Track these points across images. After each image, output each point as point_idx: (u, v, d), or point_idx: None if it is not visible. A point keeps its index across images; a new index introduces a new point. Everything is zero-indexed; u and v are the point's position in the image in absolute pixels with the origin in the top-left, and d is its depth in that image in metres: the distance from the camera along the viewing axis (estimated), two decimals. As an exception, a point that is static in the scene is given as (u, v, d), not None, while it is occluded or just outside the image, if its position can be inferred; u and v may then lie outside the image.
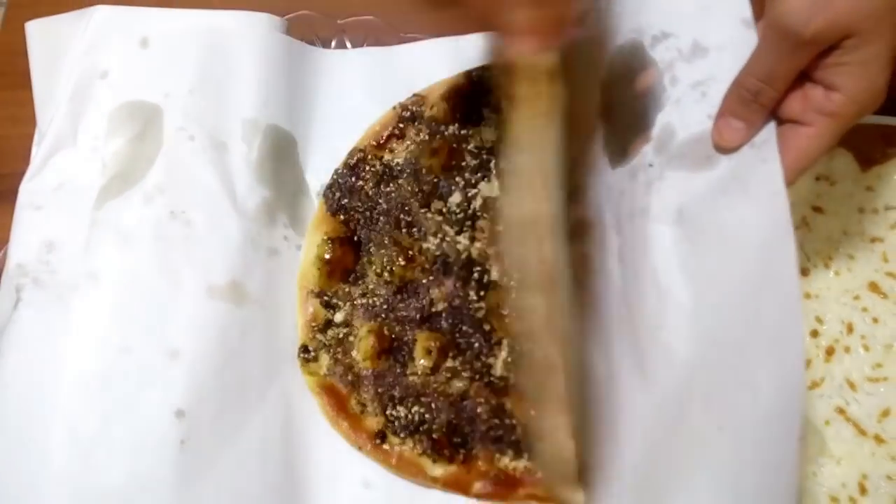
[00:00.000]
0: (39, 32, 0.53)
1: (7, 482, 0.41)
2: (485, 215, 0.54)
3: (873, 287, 0.50)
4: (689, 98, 0.45)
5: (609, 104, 0.51)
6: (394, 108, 0.56)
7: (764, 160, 0.42)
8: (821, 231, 0.52)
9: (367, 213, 0.54)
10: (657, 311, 0.43)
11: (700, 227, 0.43)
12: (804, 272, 0.51)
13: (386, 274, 0.52)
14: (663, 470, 0.42)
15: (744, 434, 0.40)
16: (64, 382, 0.42)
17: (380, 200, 0.54)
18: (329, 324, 0.51)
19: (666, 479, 0.41)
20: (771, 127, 0.42)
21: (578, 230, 0.52)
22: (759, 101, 0.42)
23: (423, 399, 0.49)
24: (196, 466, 0.43)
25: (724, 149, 0.43)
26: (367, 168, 0.55)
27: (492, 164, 0.55)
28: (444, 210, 0.54)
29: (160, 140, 0.50)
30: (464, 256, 0.52)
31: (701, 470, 0.40)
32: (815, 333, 0.49)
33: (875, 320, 0.50)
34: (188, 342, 0.45)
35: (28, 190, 0.49)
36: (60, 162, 0.49)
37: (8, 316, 0.44)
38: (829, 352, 0.49)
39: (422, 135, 0.55)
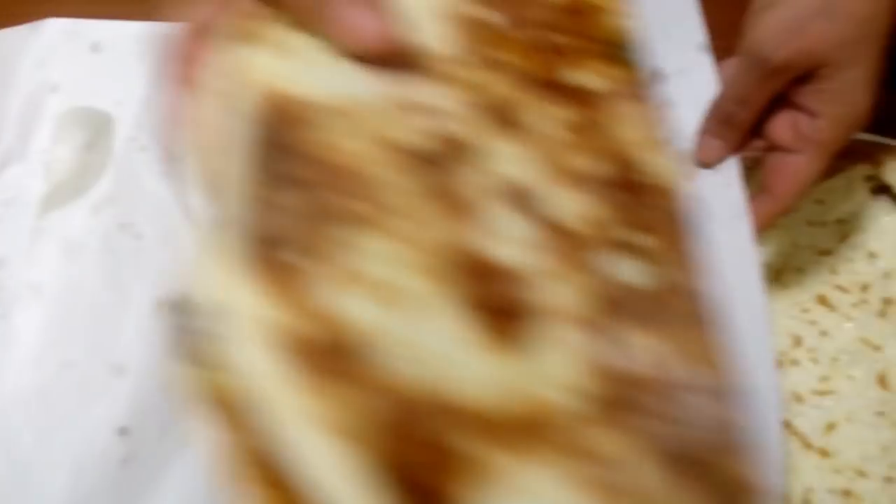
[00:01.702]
0: (-9, 46, 0.53)
1: None
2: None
3: (822, 300, 0.51)
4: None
5: None
6: None
7: (727, 185, 0.44)
8: (771, 245, 0.52)
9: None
10: None
11: None
12: (755, 285, 0.51)
13: None
14: None
15: None
16: (1, 399, 0.42)
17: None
18: None
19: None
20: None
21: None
22: (733, 122, 0.44)
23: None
24: (138, 486, 0.42)
25: (704, 165, 0.45)
26: None
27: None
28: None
29: (110, 149, 0.50)
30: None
31: None
32: (763, 347, 0.50)
33: (823, 333, 0.50)
34: (134, 358, 0.45)
35: None
36: (9, 178, 0.49)
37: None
38: (777, 365, 0.49)
39: None
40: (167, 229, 0.49)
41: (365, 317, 0.24)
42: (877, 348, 0.49)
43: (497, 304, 0.26)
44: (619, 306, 0.27)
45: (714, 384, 0.27)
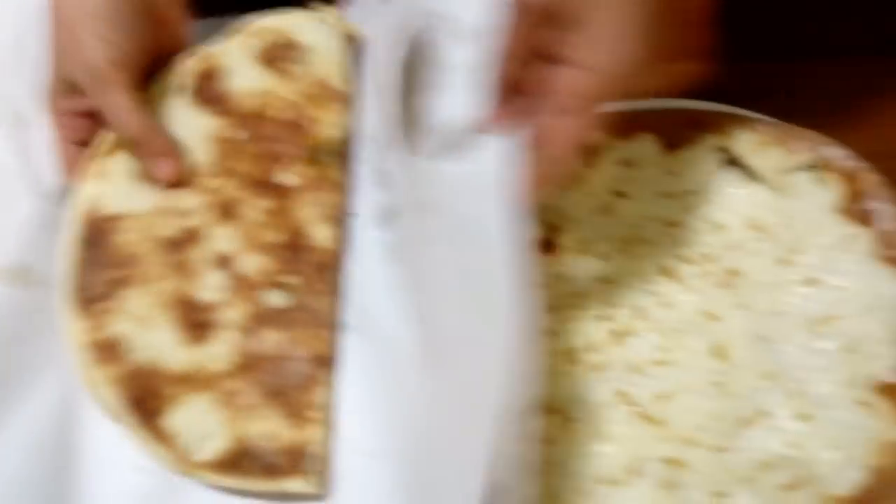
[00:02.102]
0: None
1: None
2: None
3: (667, 271, 0.51)
4: (453, 84, 0.46)
5: (405, 90, 0.51)
6: None
7: (503, 152, 0.44)
8: (624, 216, 0.52)
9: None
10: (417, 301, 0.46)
11: (447, 218, 0.45)
12: (606, 257, 0.51)
13: None
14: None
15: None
16: None
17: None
18: None
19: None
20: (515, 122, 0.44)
21: (389, 216, 0.52)
22: (501, 80, 0.44)
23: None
24: None
25: (485, 130, 0.45)
26: None
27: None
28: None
29: None
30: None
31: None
32: (605, 318, 0.50)
33: (665, 304, 0.50)
34: None
35: None
36: None
37: None
38: (617, 335, 0.49)
39: None
40: (6, 196, 0.49)
41: (126, 331, 0.47)
42: (717, 319, 0.49)
43: (195, 322, 0.47)
44: (264, 318, 0.47)
45: (309, 356, 0.47)
